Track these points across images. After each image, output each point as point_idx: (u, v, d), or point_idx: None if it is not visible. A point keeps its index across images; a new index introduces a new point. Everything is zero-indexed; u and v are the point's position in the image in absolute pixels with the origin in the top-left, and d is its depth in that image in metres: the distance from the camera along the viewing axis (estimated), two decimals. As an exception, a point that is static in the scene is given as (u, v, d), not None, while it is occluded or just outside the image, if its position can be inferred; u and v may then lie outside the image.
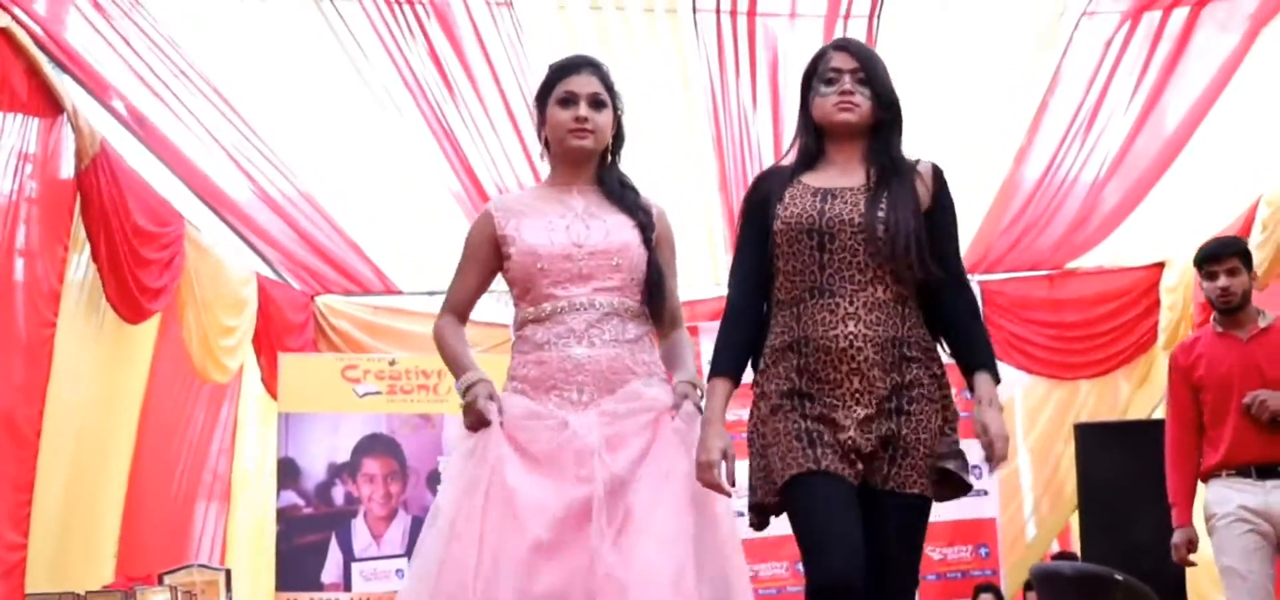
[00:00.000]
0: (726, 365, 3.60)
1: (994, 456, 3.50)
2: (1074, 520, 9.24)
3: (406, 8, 6.20)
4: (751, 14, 6.28)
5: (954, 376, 3.57)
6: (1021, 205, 8.38)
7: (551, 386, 3.71)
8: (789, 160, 3.69)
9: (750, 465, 3.56)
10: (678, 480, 3.57)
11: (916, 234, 3.48)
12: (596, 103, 3.84)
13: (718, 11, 6.29)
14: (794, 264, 3.52)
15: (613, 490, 3.52)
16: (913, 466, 3.46)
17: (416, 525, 8.23)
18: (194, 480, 8.16)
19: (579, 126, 3.80)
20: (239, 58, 6.65)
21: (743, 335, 3.63)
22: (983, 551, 9.01)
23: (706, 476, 3.48)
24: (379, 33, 6.38)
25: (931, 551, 8.87)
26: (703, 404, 3.64)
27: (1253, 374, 5.54)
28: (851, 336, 3.45)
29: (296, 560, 8.28)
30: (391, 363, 8.60)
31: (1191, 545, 5.75)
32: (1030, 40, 6.69)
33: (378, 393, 8.49)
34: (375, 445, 8.48)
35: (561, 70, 3.88)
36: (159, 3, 6.14)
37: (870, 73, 3.62)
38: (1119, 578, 7.77)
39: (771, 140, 7.23)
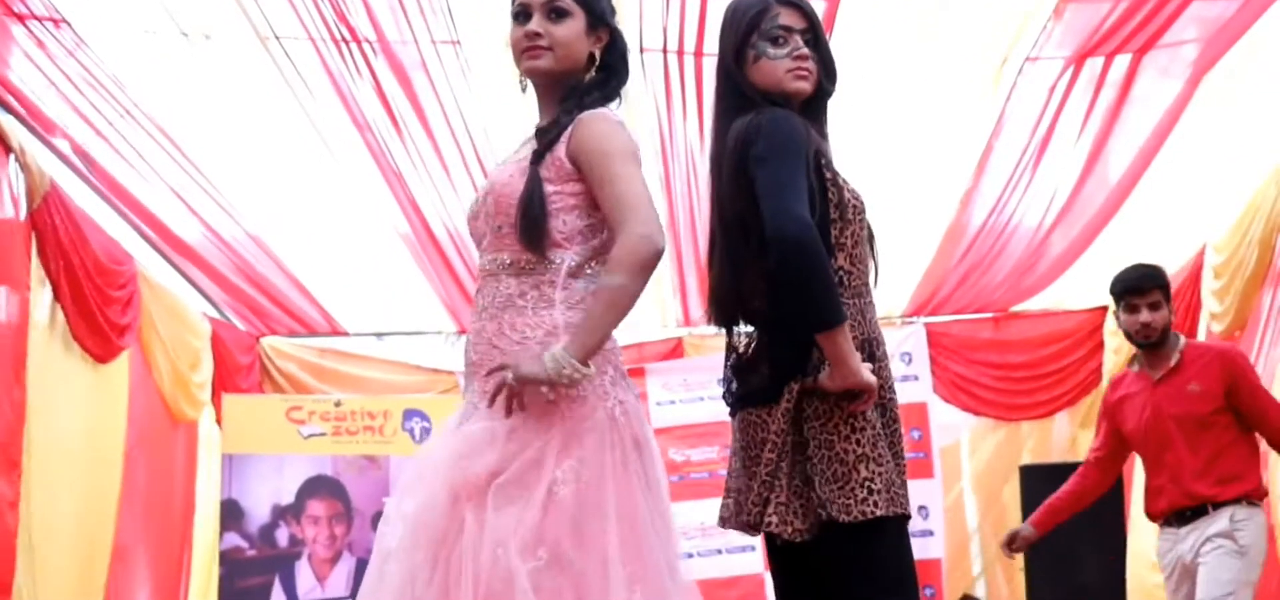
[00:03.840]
0: (842, 310, 2.97)
1: None
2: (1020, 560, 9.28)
3: (353, 47, 6.17)
4: (698, 54, 6.30)
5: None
6: (966, 248, 8.44)
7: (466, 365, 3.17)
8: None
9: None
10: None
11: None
12: (554, 11, 3.14)
13: (664, 51, 6.30)
14: (861, 250, 3.13)
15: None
16: None
17: (360, 567, 8.18)
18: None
19: (531, 44, 3.14)
20: (185, 97, 6.60)
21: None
22: (929, 591, 9.03)
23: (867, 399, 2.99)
24: (329, 70, 6.35)
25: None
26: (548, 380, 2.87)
27: (1162, 420, 5.37)
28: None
29: (240, 603, 8.20)
30: (337, 404, 8.54)
31: (1016, 542, 5.81)
32: (975, 85, 6.75)
33: (323, 434, 8.42)
34: (320, 487, 8.42)
35: None
36: (103, 42, 6.09)
37: (818, 33, 3.24)
38: (1064, 619, 7.83)
39: (719, 181, 7.23)
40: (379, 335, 9.30)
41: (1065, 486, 5.85)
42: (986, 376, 9.53)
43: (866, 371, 2.98)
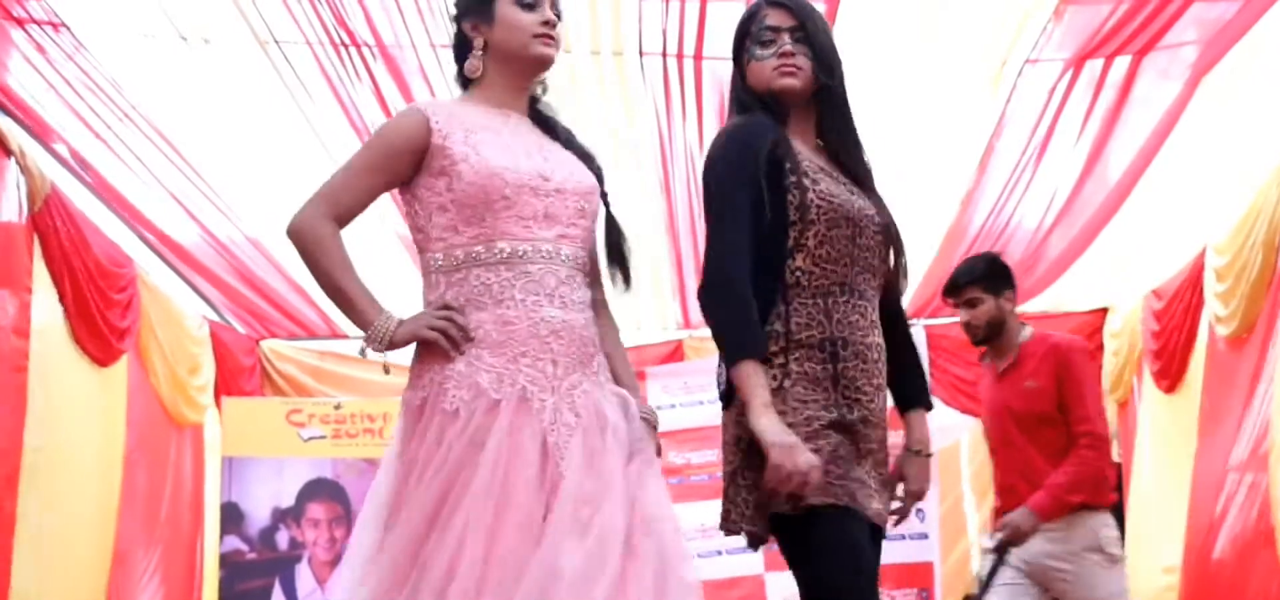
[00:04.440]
0: (760, 346, 3.06)
1: (904, 515, 3.36)
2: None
3: (352, 51, 6.16)
4: (698, 57, 6.29)
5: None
6: (966, 249, 8.42)
7: (520, 353, 3.05)
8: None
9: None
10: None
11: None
12: (557, 10, 3.28)
13: (664, 55, 6.29)
14: (829, 250, 3.11)
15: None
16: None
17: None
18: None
19: (546, 32, 3.23)
20: (183, 100, 6.59)
21: (755, 314, 3.07)
22: (923, 595, 9.02)
23: (813, 479, 2.95)
24: (328, 74, 6.35)
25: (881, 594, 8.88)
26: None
27: (1002, 414, 5.27)
28: (879, 348, 3.18)
29: (239, 606, 8.20)
30: (337, 407, 8.54)
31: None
32: (975, 87, 6.74)
33: (323, 437, 8.43)
34: (320, 490, 8.43)
35: None
36: (102, 46, 6.08)
37: (810, 29, 3.25)
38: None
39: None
40: (379, 339, 9.27)
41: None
42: (987, 378, 9.50)
43: (767, 422, 2.98)
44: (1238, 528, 6.73)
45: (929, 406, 3.39)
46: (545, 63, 3.28)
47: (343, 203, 3.17)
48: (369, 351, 3.15)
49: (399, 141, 3.14)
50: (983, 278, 5.34)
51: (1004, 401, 5.27)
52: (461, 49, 3.32)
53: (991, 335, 5.29)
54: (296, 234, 3.16)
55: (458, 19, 3.34)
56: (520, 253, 3.09)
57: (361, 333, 3.13)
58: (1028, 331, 5.37)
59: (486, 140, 3.14)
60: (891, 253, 3.28)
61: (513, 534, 2.85)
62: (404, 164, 3.15)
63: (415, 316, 3.09)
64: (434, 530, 2.88)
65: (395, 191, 3.24)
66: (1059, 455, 5.11)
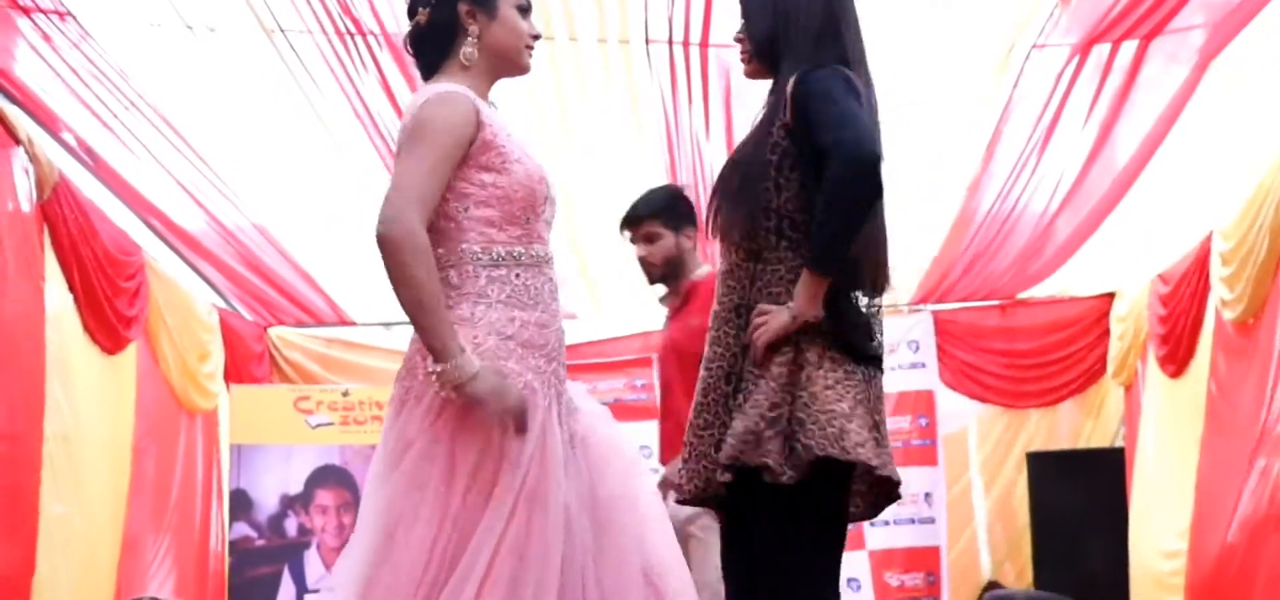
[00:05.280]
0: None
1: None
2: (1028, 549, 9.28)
3: (358, 39, 6.17)
4: (704, 45, 6.29)
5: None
6: (973, 235, 8.43)
7: (552, 355, 3.15)
8: None
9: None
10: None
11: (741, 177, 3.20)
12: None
13: (670, 42, 6.29)
14: None
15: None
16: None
17: (370, 557, 8.20)
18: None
19: (532, 45, 3.34)
20: (190, 88, 6.60)
21: None
22: (930, 578, 9.05)
23: None
24: (330, 64, 6.35)
25: (889, 577, 8.93)
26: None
27: (670, 356, 4.87)
28: None
29: (248, 593, 8.22)
30: (345, 393, 8.56)
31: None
32: (982, 72, 6.73)
33: (330, 424, 8.44)
34: (328, 477, 8.44)
35: None
36: (108, 35, 6.09)
37: (744, 15, 3.36)
38: (1071, 606, 7.84)
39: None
40: (387, 325, 9.30)
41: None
42: (993, 364, 9.52)
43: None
44: (1248, 511, 6.73)
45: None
46: (523, 73, 3.33)
47: (429, 205, 3.05)
48: (436, 386, 3.02)
49: (464, 130, 3.09)
50: (663, 210, 4.94)
51: (670, 340, 4.91)
52: (444, 32, 3.26)
53: (670, 274, 4.91)
54: (396, 241, 3.00)
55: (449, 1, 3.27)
56: (547, 257, 3.19)
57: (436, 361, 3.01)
58: (704, 271, 4.93)
59: (519, 142, 3.19)
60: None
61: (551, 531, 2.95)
62: (463, 153, 3.11)
63: (495, 384, 2.99)
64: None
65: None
66: None
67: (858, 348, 3.10)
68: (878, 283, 3.19)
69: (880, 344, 3.20)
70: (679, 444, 3.74)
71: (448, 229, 3.13)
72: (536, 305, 3.11)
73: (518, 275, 3.10)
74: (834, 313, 3.06)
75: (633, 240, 5.02)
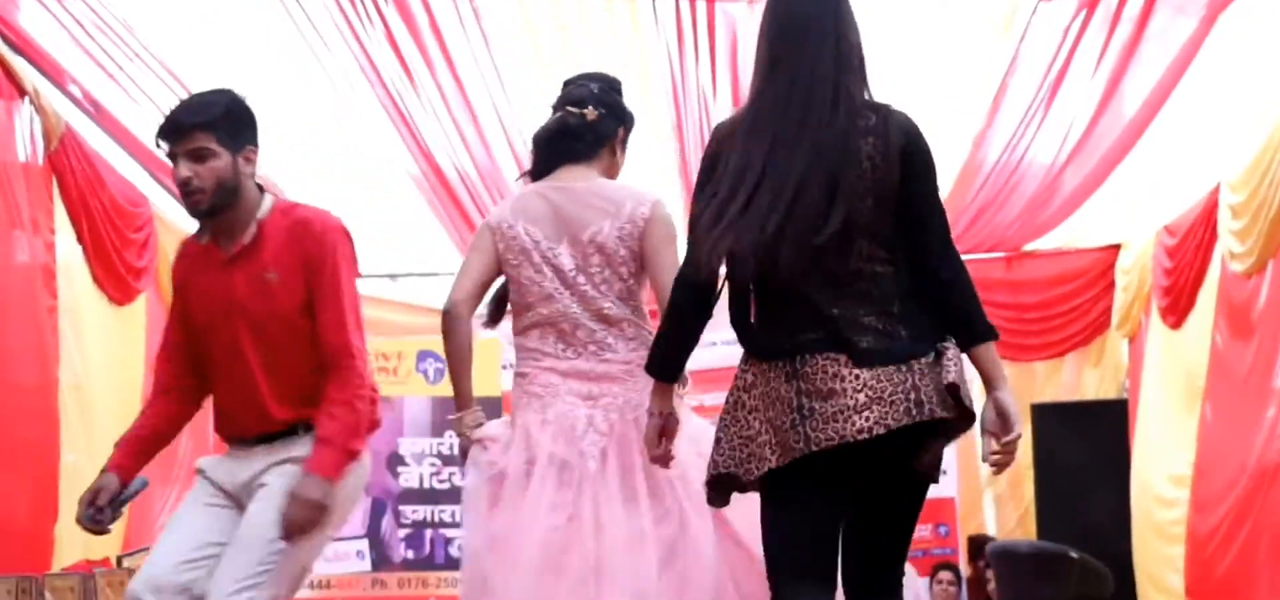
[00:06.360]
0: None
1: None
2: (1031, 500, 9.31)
3: (364, -9, 6.17)
4: (711, 0, 6.28)
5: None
6: (979, 187, 8.41)
7: None
8: None
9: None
10: None
11: None
12: None
13: (677, -3, 6.29)
14: None
15: None
16: None
17: (376, 507, 8.27)
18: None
19: None
20: (195, 42, 6.59)
21: None
22: (942, 530, 9.07)
23: None
24: (335, 19, 6.34)
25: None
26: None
27: (235, 313, 3.60)
28: None
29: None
30: (349, 342, 8.55)
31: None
32: (989, 25, 6.71)
33: (332, 370, 8.43)
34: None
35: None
36: (113, -13, 6.10)
37: None
38: (1074, 555, 7.86)
39: (731, 125, 7.22)
40: (392, 277, 9.31)
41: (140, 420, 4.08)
42: (999, 317, 9.43)
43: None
44: (1255, 460, 6.77)
45: None
46: None
47: None
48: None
49: None
50: (220, 121, 3.66)
51: (234, 296, 3.63)
52: (598, 139, 3.82)
53: (226, 202, 3.63)
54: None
55: (617, 118, 3.86)
56: None
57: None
58: (268, 203, 3.76)
59: None
60: None
61: None
62: None
63: None
64: None
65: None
66: (296, 377, 3.66)
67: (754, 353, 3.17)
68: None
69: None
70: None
71: (623, 293, 3.81)
72: None
73: None
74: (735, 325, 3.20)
75: (171, 155, 3.68)
